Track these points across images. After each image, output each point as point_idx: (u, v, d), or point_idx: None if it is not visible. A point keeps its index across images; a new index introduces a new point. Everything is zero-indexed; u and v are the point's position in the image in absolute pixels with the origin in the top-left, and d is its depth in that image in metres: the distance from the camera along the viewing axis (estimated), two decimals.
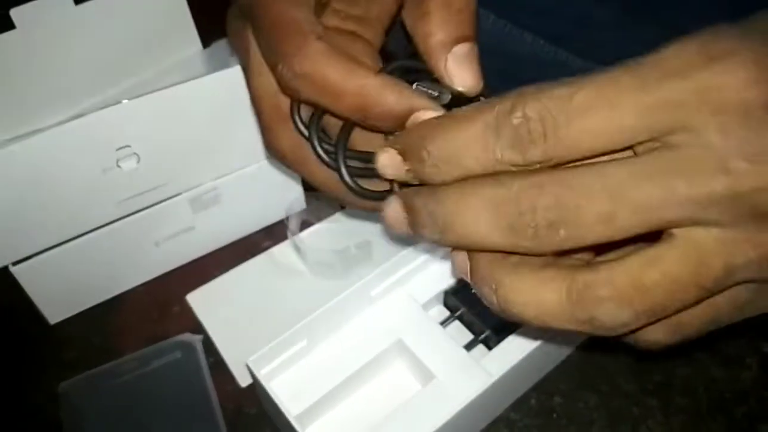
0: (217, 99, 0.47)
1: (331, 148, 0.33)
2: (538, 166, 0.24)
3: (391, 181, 0.30)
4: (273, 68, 0.32)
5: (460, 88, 0.32)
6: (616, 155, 0.24)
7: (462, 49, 0.32)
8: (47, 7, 0.47)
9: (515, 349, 0.43)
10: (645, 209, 0.23)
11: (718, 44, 0.23)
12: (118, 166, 0.46)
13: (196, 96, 0.46)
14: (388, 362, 0.45)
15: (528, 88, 0.24)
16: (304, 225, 0.55)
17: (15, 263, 0.47)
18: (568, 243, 0.24)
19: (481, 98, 0.34)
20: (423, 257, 0.46)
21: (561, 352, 0.48)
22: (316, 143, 0.33)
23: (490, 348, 0.44)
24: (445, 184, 0.26)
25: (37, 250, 0.48)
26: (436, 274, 0.47)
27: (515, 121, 0.24)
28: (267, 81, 0.34)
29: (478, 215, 0.25)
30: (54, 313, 0.52)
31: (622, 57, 0.56)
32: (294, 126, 0.34)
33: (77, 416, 0.47)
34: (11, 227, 0.46)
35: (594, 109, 0.23)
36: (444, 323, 0.46)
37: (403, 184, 0.29)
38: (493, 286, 0.26)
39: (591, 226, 0.23)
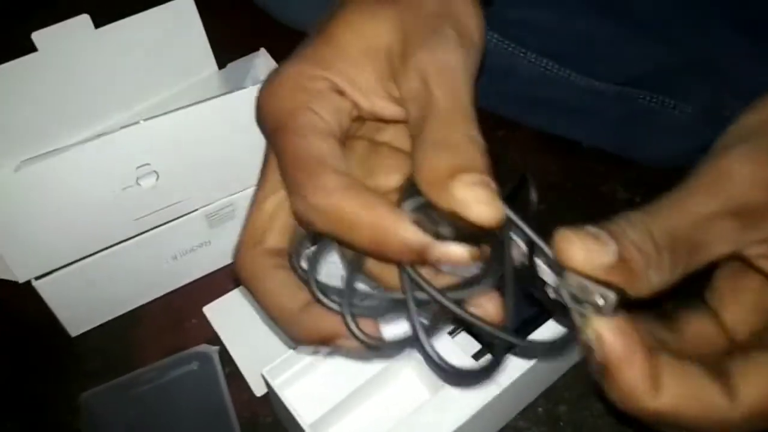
0: (233, 118, 0.48)
1: (332, 294, 0.31)
2: None
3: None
4: (289, 197, 0.32)
5: (474, 219, 0.27)
6: None
7: (471, 177, 0.28)
8: (68, 30, 0.49)
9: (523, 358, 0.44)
10: None
11: None
12: (138, 184, 0.47)
13: (212, 115, 0.47)
14: (397, 371, 0.46)
15: None
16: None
17: (37, 278, 0.48)
18: None
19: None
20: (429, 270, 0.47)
21: (567, 361, 0.49)
22: (316, 291, 0.31)
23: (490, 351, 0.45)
24: None
25: (59, 265, 0.49)
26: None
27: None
28: (268, 198, 0.35)
29: None
30: (75, 326, 0.53)
31: (624, 73, 0.58)
32: (291, 266, 0.33)
33: (97, 426, 0.48)
34: (33, 243, 0.47)
35: None
36: (452, 333, 0.47)
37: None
38: None
39: None
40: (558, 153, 0.61)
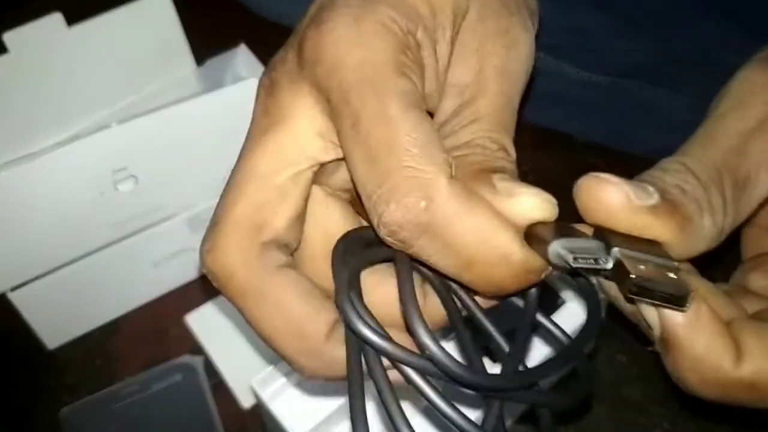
0: (213, 118, 0.47)
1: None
2: None
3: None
4: (372, 203, 0.23)
5: (533, 214, 0.23)
6: None
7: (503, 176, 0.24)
8: (39, 30, 0.47)
9: None
10: None
11: None
12: (116, 189, 0.46)
13: (191, 116, 0.46)
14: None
15: None
16: None
17: (12, 289, 0.47)
18: None
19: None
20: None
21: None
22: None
23: (494, 361, 0.44)
24: None
25: (35, 275, 0.48)
26: None
27: None
28: (284, 168, 0.25)
29: None
30: (52, 338, 0.52)
31: (617, 65, 0.57)
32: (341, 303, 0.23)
33: None
34: (8, 253, 0.46)
35: None
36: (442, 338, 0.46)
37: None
38: None
39: None
40: (557, 149, 0.60)
